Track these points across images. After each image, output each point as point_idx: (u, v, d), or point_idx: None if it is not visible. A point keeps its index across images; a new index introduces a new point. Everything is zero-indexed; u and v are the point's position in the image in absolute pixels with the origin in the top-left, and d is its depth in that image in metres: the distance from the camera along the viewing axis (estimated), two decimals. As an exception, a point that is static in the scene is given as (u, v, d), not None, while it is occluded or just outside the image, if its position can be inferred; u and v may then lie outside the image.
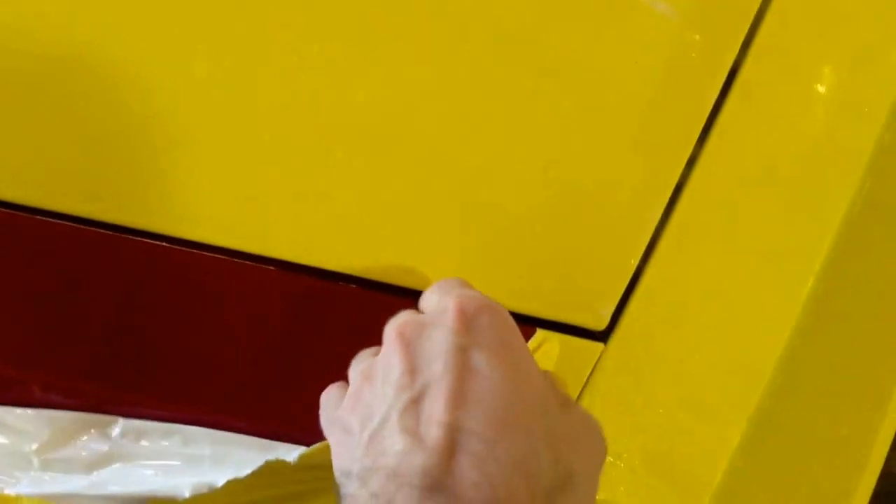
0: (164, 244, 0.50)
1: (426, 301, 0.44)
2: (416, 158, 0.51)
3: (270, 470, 0.47)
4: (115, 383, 0.50)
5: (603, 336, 0.50)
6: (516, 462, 0.36)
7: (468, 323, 0.39)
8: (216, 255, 0.50)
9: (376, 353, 0.42)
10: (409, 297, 0.48)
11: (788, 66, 0.54)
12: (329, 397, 0.45)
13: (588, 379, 0.50)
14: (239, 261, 0.50)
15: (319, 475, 0.47)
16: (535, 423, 0.38)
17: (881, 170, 0.54)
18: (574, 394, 0.51)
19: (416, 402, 0.38)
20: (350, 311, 0.50)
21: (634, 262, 0.51)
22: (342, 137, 0.52)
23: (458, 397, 0.37)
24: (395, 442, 0.37)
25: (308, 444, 0.47)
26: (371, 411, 0.39)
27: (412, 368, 0.39)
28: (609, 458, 0.49)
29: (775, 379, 0.51)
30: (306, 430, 0.46)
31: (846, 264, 0.54)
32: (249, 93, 0.51)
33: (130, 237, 0.50)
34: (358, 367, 0.43)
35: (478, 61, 0.53)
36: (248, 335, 0.50)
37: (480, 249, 0.51)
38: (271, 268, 0.50)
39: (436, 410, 0.37)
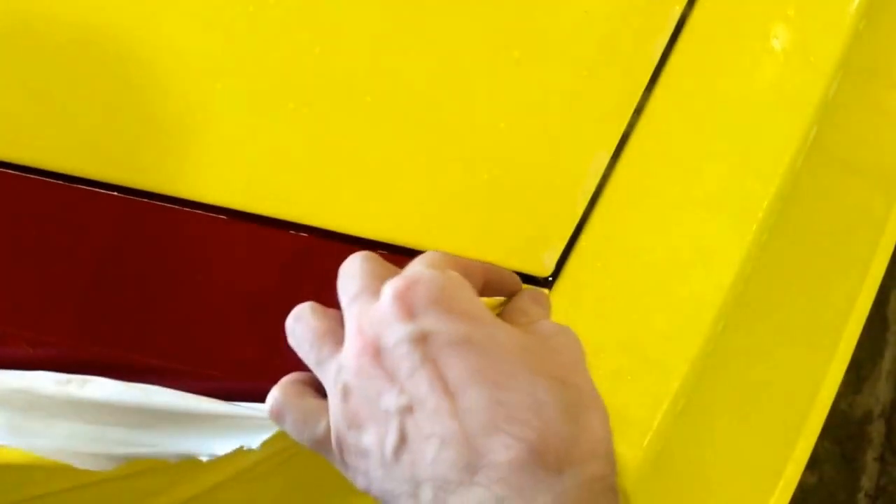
0: (145, 200, 0.51)
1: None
2: (365, 108, 0.52)
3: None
4: (97, 341, 0.51)
5: (548, 283, 0.51)
6: (529, 407, 0.39)
7: (409, 306, 0.41)
8: (202, 213, 0.52)
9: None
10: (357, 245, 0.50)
11: (735, 17, 0.54)
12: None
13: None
14: (225, 217, 0.51)
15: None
16: (519, 366, 0.40)
17: (827, 119, 0.55)
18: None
19: (411, 411, 0.40)
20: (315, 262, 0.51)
21: (580, 210, 0.52)
22: (305, 91, 0.53)
23: (444, 392, 0.39)
24: (423, 451, 0.39)
25: None
26: (369, 425, 0.41)
27: (391, 379, 0.40)
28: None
29: (717, 325, 0.52)
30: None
31: (790, 212, 0.54)
32: (234, 48, 0.53)
33: (109, 193, 0.52)
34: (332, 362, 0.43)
35: (425, 10, 0.53)
36: (234, 293, 0.51)
37: (429, 197, 0.52)
38: (254, 224, 0.51)
39: (435, 412, 0.39)
